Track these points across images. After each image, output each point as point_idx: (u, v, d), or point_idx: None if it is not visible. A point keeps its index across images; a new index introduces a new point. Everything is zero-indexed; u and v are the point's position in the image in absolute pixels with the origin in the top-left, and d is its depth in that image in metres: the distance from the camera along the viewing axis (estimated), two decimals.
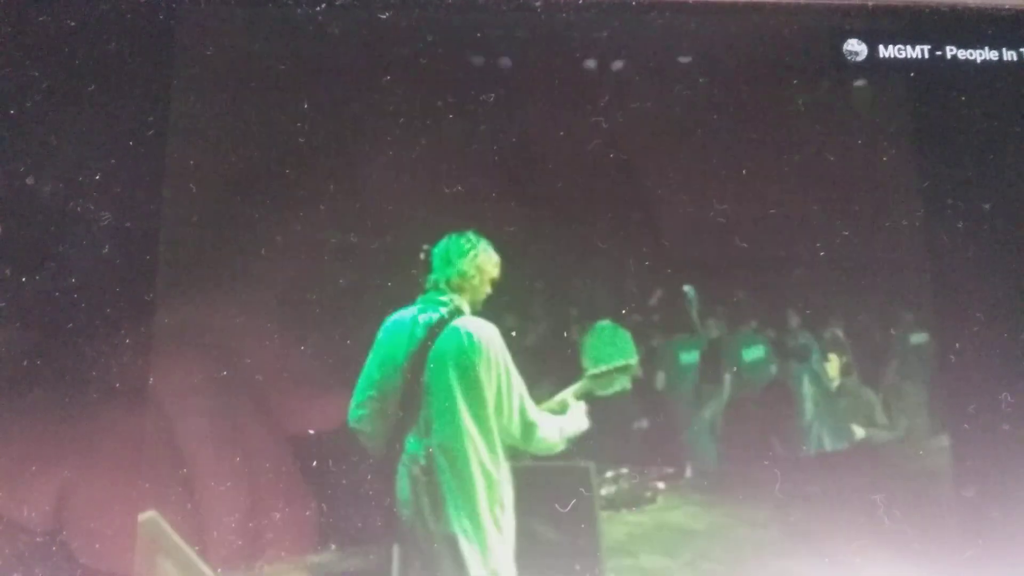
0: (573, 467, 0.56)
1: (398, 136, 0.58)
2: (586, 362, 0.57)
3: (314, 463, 0.54)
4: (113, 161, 0.57)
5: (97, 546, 0.52)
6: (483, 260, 0.58)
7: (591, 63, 0.60)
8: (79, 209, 0.56)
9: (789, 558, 0.55)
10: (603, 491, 0.56)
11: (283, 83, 0.59)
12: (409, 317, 0.57)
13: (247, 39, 0.59)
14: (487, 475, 0.56)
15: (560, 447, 0.57)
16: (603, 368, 0.57)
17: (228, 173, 0.57)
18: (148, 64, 0.58)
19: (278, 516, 0.53)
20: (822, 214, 0.59)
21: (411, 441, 0.56)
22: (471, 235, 0.58)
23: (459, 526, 0.55)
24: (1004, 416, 0.56)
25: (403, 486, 0.56)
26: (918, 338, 0.58)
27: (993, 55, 0.61)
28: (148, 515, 0.52)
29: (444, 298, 0.58)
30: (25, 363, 0.53)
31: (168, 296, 0.55)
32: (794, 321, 0.59)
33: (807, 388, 0.59)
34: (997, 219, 0.59)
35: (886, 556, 0.54)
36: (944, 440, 0.56)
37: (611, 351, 0.57)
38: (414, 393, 0.57)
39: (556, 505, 0.55)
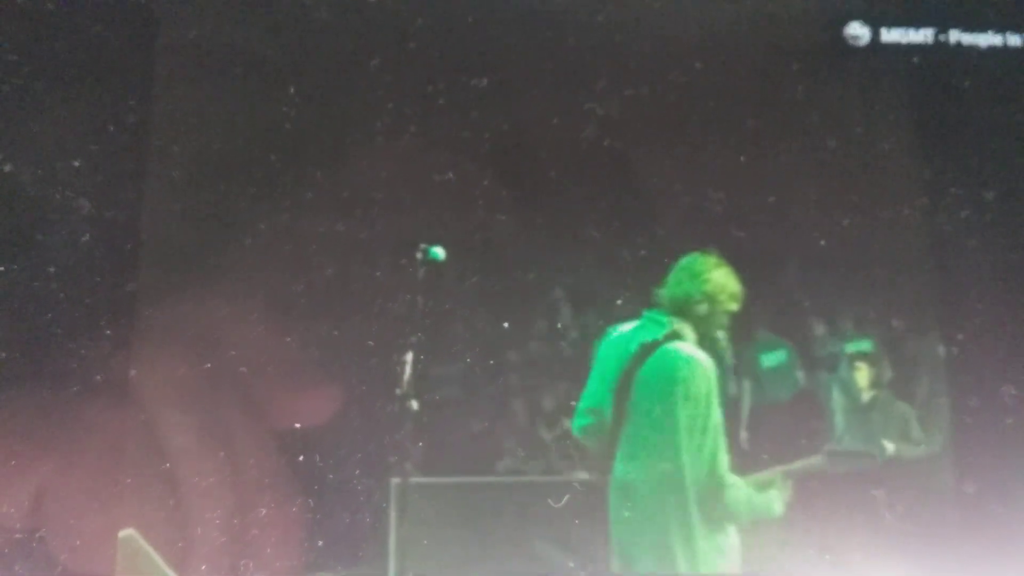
0: (582, 481, 0.54)
1: (387, 123, 0.57)
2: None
3: (301, 457, 0.53)
4: (94, 148, 0.56)
5: (77, 543, 0.51)
6: (714, 288, 0.54)
7: (585, 48, 0.59)
8: (58, 197, 0.55)
9: (789, 553, 0.54)
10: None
11: (268, 68, 0.58)
12: (628, 332, 0.55)
13: (231, 22, 0.58)
14: (665, 516, 0.53)
15: (742, 520, 0.53)
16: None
17: (212, 161, 0.56)
18: (130, 48, 0.57)
19: (264, 512, 0.52)
20: (821, 203, 0.58)
21: (620, 460, 0.54)
22: (712, 257, 0.55)
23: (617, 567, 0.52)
24: (1007, 410, 0.55)
25: (612, 506, 0.53)
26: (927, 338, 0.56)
27: (998, 40, 0.60)
28: (127, 532, 0.51)
29: (665, 318, 0.55)
30: (2, 356, 0.52)
31: (150, 287, 0.54)
32: (787, 311, 0.58)
33: (835, 398, 0.57)
34: (1001, 208, 0.58)
35: (886, 552, 0.53)
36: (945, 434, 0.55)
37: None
38: (621, 415, 0.54)
39: (550, 500, 0.54)
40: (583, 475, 0.53)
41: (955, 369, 0.56)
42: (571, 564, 0.53)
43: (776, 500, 0.53)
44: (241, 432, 0.53)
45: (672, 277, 0.55)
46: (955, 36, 0.60)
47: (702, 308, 0.55)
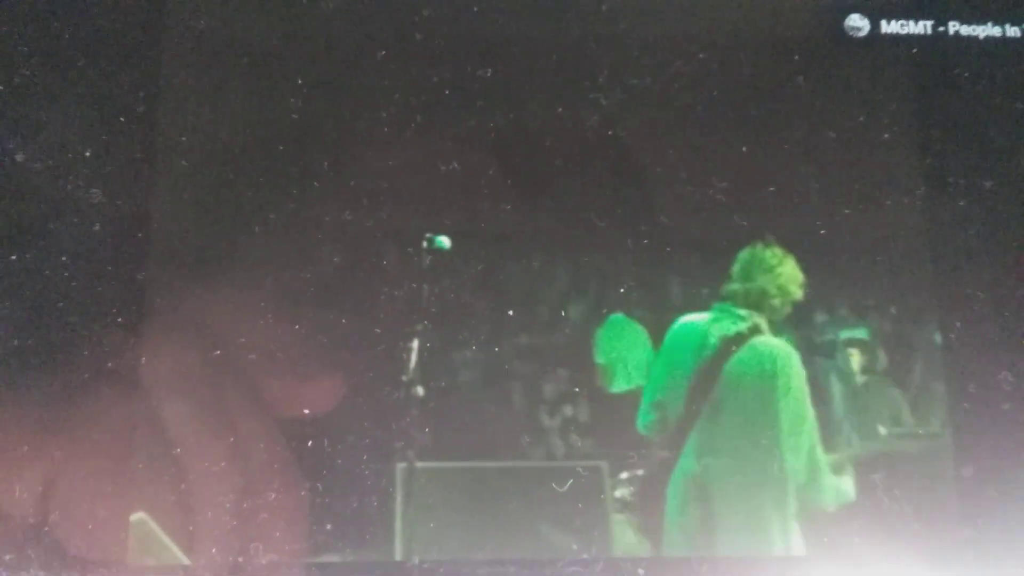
0: (585, 466, 0.55)
1: (393, 112, 0.58)
2: (599, 357, 0.56)
3: (309, 443, 0.54)
4: (103, 138, 0.56)
5: (90, 526, 0.51)
6: (786, 280, 0.55)
7: (589, 38, 0.59)
8: (69, 187, 0.55)
9: (785, 537, 0.54)
10: (617, 493, 0.55)
11: (276, 58, 0.58)
12: (702, 325, 0.56)
13: (239, 12, 0.58)
14: (768, 501, 0.54)
15: (832, 503, 0.54)
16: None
17: (220, 150, 0.56)
18: (138, 38, 0.57)
19: (272, 496, 0.53)
20: (822, 192, 0.58)
21: (689, 454, 0.54)
22: (776, 250, 0.56)
23: (732, 552, 0.52)
24: (1004, 396, 0.56)
25: (673, 499, 0.54)
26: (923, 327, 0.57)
27: (996, 31, 0.60)
28: (138, 516, 0.51)
29: (742, 312, 0.56)
30: (15, 343, 0.53)
31: (160, 275, 0.54)
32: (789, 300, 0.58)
33: (833, 385, 0.57)
34: (999, 197, 0.58)
35: (884, 535, 0.54)
36: (943, 419, 0.56)
37: (624, 347, 0.56)
38: (700, 406, 0.55)
39: (553, 484, 0.55)
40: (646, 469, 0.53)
41: (953, 355, 0.56)
42: (574, 546, 0.53)
43: (851, 484, 0.54)
44: (250, 418, 0.54)
45: (739, 271, 0.56)
46: (953, 27, 0.60)
47: (776, 301, 0.55)
